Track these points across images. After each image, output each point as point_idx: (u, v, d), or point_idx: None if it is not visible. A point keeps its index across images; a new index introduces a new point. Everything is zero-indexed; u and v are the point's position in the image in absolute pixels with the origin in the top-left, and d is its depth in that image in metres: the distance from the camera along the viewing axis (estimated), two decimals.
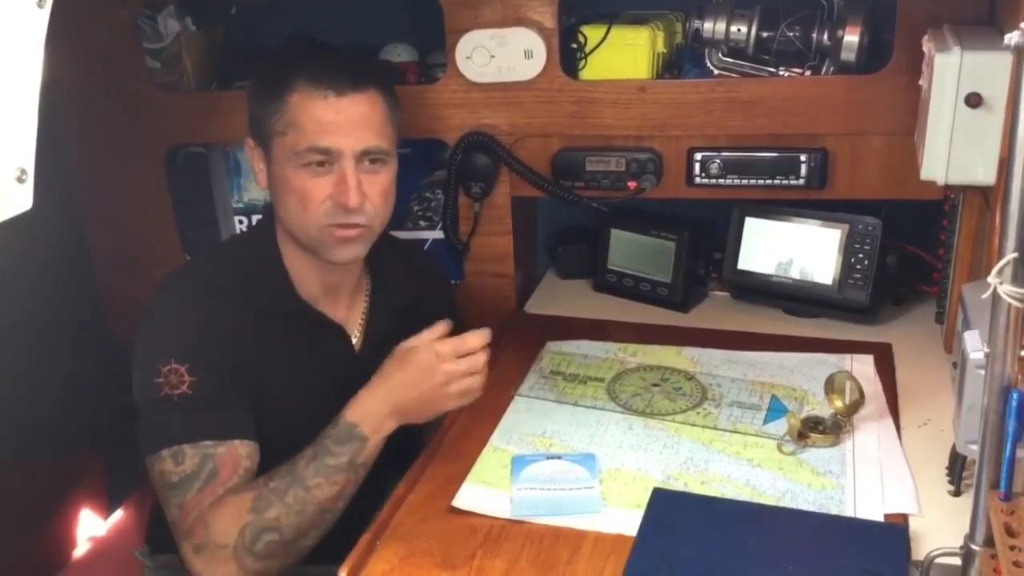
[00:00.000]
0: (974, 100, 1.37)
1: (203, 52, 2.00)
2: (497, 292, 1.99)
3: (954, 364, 1.35)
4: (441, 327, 1.43)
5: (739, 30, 1.75)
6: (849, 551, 1.21)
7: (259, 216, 2.07)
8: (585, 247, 2.11)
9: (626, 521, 1.29)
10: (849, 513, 1.29)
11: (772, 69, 1.76)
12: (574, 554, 1.24)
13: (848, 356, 1.70)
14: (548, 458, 1.43)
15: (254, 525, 1.30)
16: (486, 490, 1.38)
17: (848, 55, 1.69)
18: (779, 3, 1.75)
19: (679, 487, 1.37)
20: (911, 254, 1.88)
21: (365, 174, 1.42)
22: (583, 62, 1.82)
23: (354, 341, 1.57)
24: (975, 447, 1.09)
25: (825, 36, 1.71)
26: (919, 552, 1.19)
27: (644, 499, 1.32)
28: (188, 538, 1.32)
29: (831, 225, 1.84)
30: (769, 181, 1.80)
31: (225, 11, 2.10)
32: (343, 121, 1.39)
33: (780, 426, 1.49)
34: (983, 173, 1.41)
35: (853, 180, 1.78)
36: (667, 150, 1.84)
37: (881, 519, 1.28)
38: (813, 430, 1.46)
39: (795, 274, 1.87)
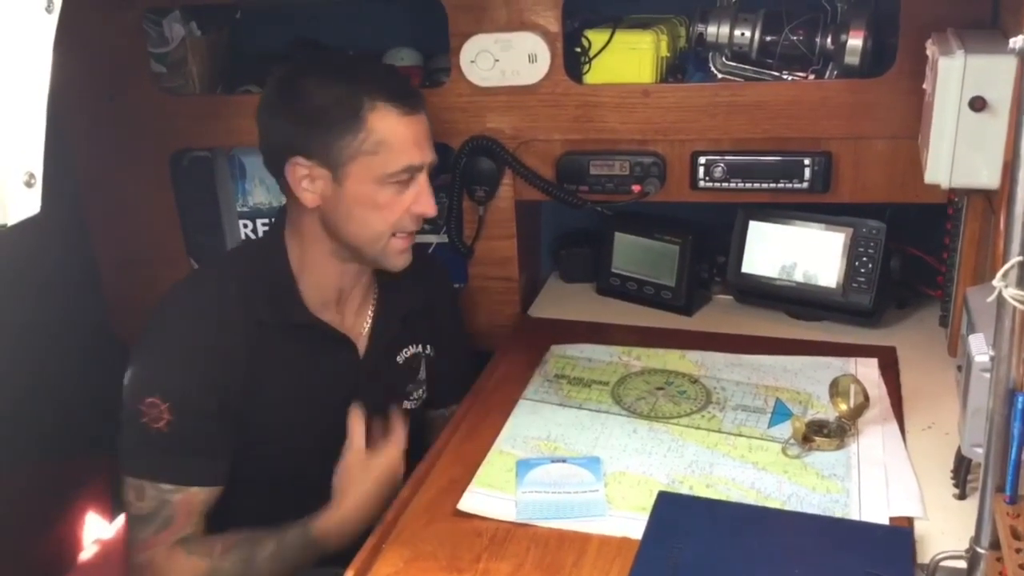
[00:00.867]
0: (978, 104, 1.37)
1: (208, 56, 2.01)
2: (501, 296, 1.99)
3: (959, 367, 1.35)
4: (400, 436, 1.47)
5: (743, 34, 1.75)
6: (854, 554, 1.21)
7: (264, 220, 2.08)
8: (589, 251, 2.11)
9: (631, 524, 1.29)
10: (854, 516, 1.29)
11: (776, 73, 1.77)
12: (579, 557, 1.24)
13: (852, 359, 1.70)
14: (553, 461, 1.44)
15: None
16: (491, 493, 1.38)
17: (852, 59, 1.70)
18: (783, 7, 1.75)
19: (684, 490, 1.37)
20: (915, 257, 1.87)
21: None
22: (587, 66, 1.82)
23: (359, 348, 1.57)
24: (980, 450, 1.09)
25: (829, 40, 1.72)
26: (924, 555, 1.19)
27: (649, 502, 1.33)
28: (135, 573, 1.42)
29: (835, 229, 1.84)
30: (773, 185, 1.80)
31: (230, 16, 2.10)
32: (421, 137, 1.47)
33: (785, 429, 1.49)
34: (987, 177, 1.42)
35: (857, 184, 1.78)
36: (671, 154, 1.84)
37: (886, 522, 1.28)
38: (818, 433, 1.46)
39: (799, 278, 1.87)
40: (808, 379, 1.65)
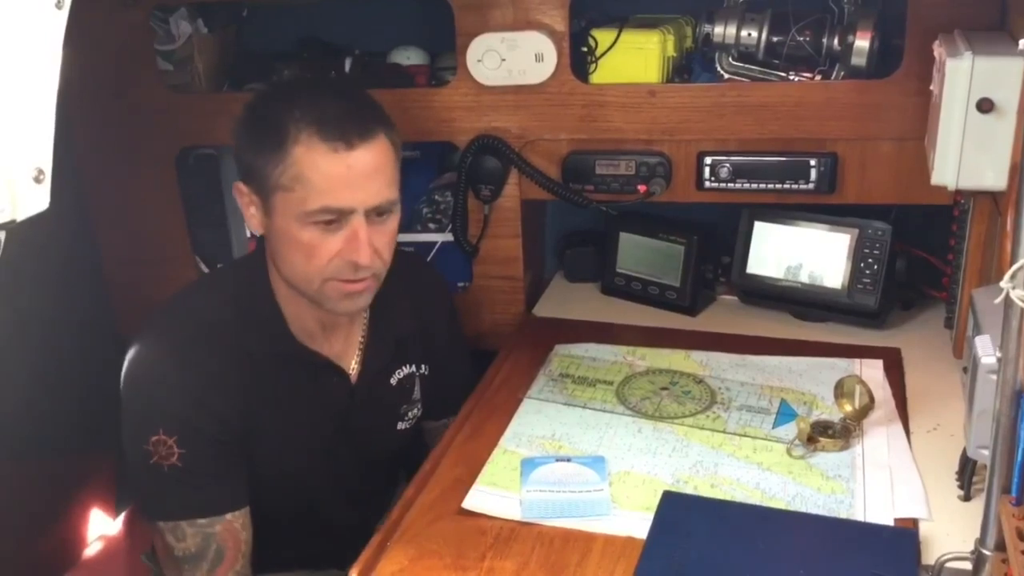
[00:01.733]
0: (985, 105, 1.37)
1: (215, 54, 2.01)
2: (506, 295, 1.99)
3: (964, 369, 1.35)
4: None
5: (750, 34, 1.75)
6: (859, 555, 1.21)
7: None
8: (594, 250, 2.11)
9: (635, 524, 1.29)
10: (859, 517, 1.29)
11: (782, 73, 1.77)
12: (584, 556, 1.24)
13: (857, 360, 1.70)
14: (558, 460, 1.43)
15: None
16: (496, 492, 1.38)
17: (859, 60, 1.70)
18: (790, 7, 1.75)
19: (688, 490, 1.37)
20: (920, 259, 1.87)
21: (373, 226, 1.35)
22: (593, 66, 1.82)
23: (351, 373, 1.52)
24: (986, 452, 1.09)
25: (836, 41, 1.72)
26: (929, 557, 1.19)
27: (653, 502, 1.33)
28: None
29: (840, 229, 1.84)
30: (778, 185, 1.80)
31: (237, 13, 2.11)
32: (354, 176, 1.30)
33: (789, 430, 1.49)
34: (994, 178, 1.41)
35: (863, 185, 1.78)
36: (677, 154, 1.84)
37: (891, 523, 1.28)
38: (823, 434, 1.46)
39: (804, 278, 1.87)
40: (813, 380, 1.65)
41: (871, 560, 1.20)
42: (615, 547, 1.25)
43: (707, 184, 1.83)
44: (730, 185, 1.82)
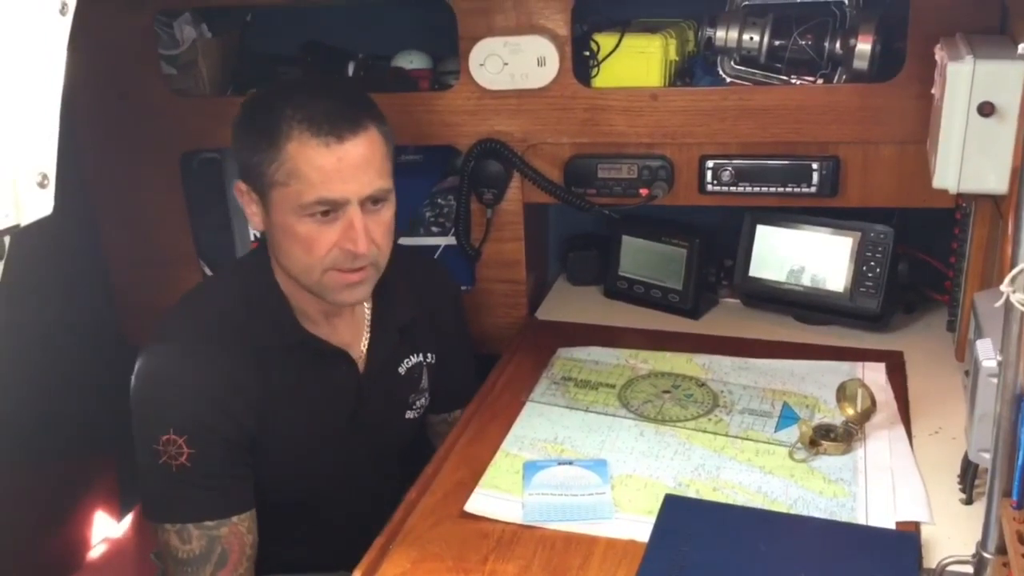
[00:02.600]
0: (987, 109, 1.37)
1: (219, 58, 2.02)
2: (509, 298, 2.00)
3: (966, 372, 1.35)
4: None
5: (751, 38, 1.76)
6: (861, 559, 1.22)
7: None
8: (596, 254, 2.11)
9: (638, 527, 1.29)
10: (861, 521, 1.30)
11: (784, 77, 1.77)
12: (586, 560, 1.24)
13: (859, 364, 1.70)
14: (560, 464, 1.44)
15: None
16: (498, 495, 1.38)
17: (860, 63, 1.70)
18: (792, 12, 1.76)
19: (691, 494, 1.37)
20: (922, 262, 1.87)
21: (369, 215, 1.38)
22: (596, 70, 1.82)
23: (359, 362, 1.54)
24: (987, 455, 1.09)
25: (837, 45, 1.72)
26: (931, 560, 1.19)
27: (655, 505, 1.33)
28: None
29: (842, 233, 1.84)
30: (781, 189, 1.81)
31: (241, 18, 2.11)
32: (346, 168, 1.35)
33: (792, 433, 1.50)
34: (995, 182, 1.41)
35: (865, 188, 1.78)
36: (679, 157, 1.85)
37: (893, 527, 1.28)
38: (825, 437, 1.46)
39: (806, 282, 1.87)
40: (815, 383, 1.65)
41: (873, 563, 1.20)
42: (617, 550, 1.26)
43: (709, 187, 1.83)
44: (732, 188, 1.83)
